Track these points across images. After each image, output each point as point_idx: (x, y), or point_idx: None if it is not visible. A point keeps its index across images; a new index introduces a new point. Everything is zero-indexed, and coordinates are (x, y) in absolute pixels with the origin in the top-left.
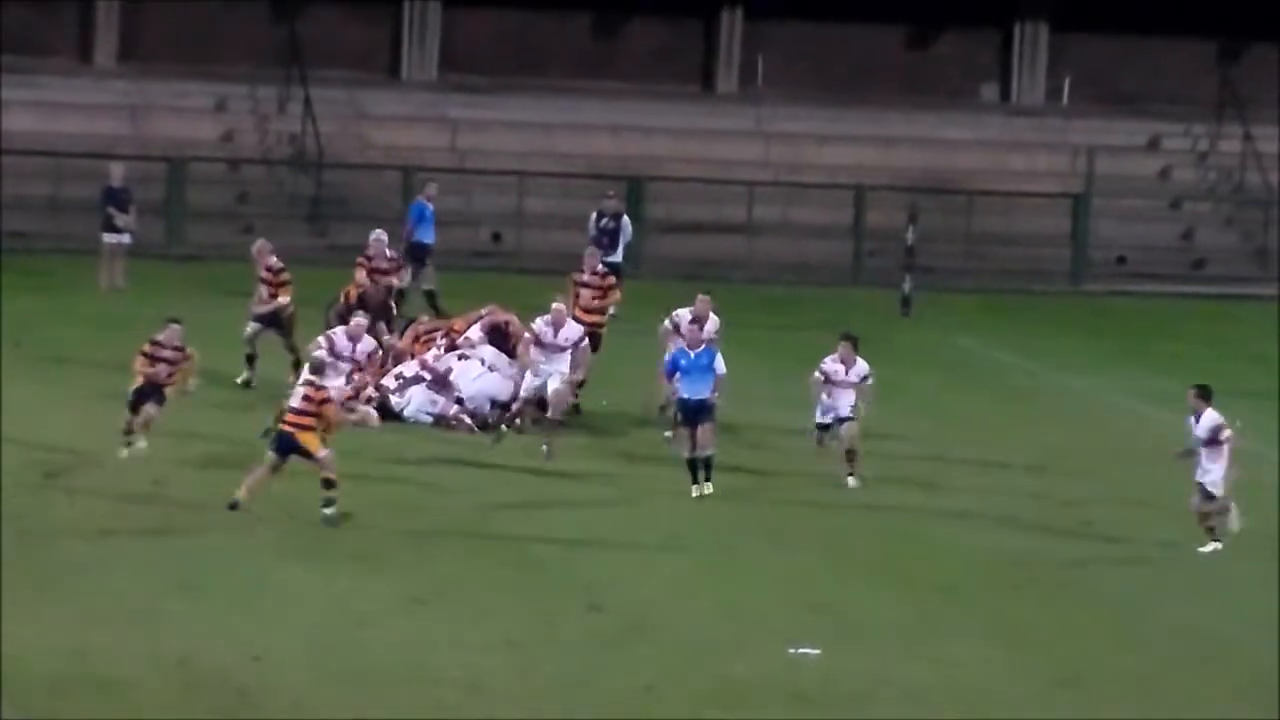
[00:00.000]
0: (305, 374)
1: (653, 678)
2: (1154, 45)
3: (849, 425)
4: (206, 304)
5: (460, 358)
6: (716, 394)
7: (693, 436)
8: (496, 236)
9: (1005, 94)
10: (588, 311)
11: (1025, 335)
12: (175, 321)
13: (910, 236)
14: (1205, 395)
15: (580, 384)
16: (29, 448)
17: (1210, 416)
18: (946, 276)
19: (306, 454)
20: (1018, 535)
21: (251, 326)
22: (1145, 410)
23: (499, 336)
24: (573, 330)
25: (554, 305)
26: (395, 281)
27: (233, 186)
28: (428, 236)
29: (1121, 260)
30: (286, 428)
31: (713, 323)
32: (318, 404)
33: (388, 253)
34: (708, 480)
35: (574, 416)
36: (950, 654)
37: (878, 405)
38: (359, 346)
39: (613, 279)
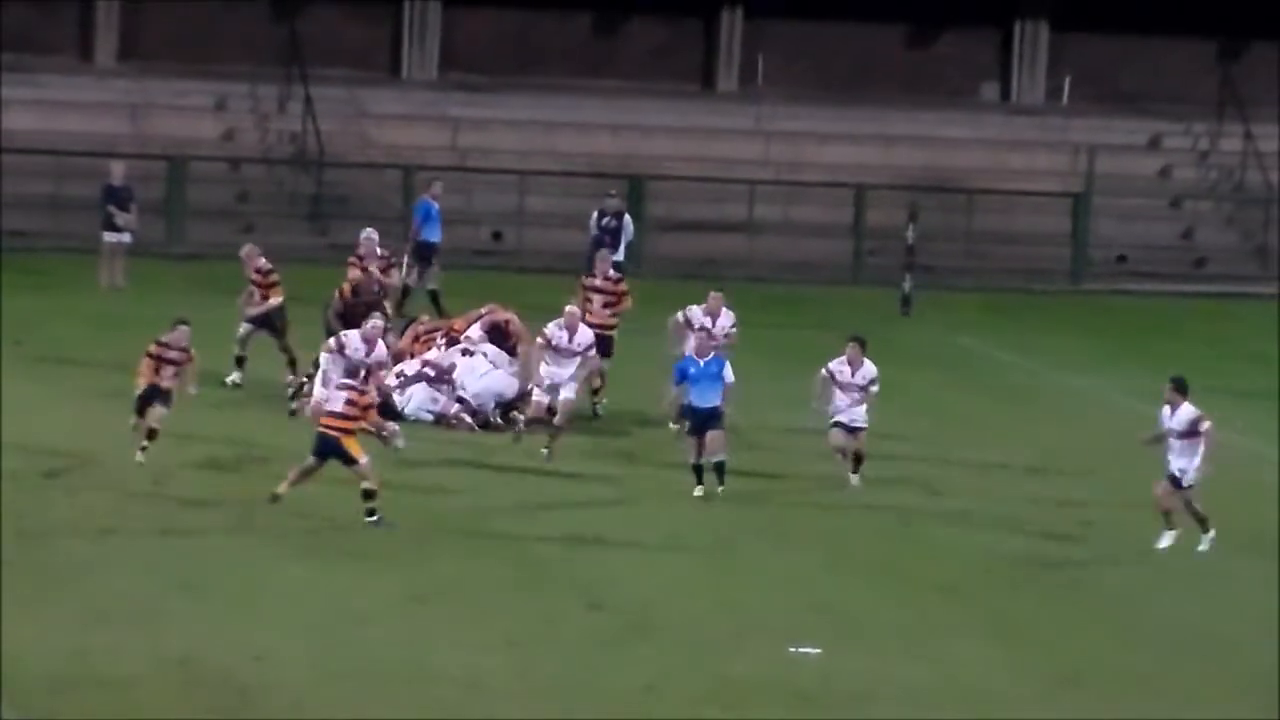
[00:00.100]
0: (324, 376)
1: (653, 677)
2: (1154, 44)
3: (861, 435)
4: (207, 303)
5: (464, 353)
6: (724, 403)
7: (700, 444)
8: (497, 235)
9: (1005, 93)
10: (599, 317)
11: (1025, 334)
12: (183, 323)
13: (910, 235)
14: (1181, 389)
15: (596, 390)
16: (29, 447)
17: (1188, 409)
18: (947, 275)
19: (347, 459)
20: (1018, 535)
21: (244, 328)
22: (1146, 409)
23: (499, 335)
24: (586, 335)
25: (567, 309)
26: (386, 280)
27: (233, 185)
28: (434, 235)
29: (1122, 259)
30: (329, 431)
31: (727, 317)
32: (362, 409)
33: (379, 251)
34: (720, 484)
35: (593, 420)
36: (950, 653)
37: (878, 405)
38: (375, 351)
39: (624, 285)
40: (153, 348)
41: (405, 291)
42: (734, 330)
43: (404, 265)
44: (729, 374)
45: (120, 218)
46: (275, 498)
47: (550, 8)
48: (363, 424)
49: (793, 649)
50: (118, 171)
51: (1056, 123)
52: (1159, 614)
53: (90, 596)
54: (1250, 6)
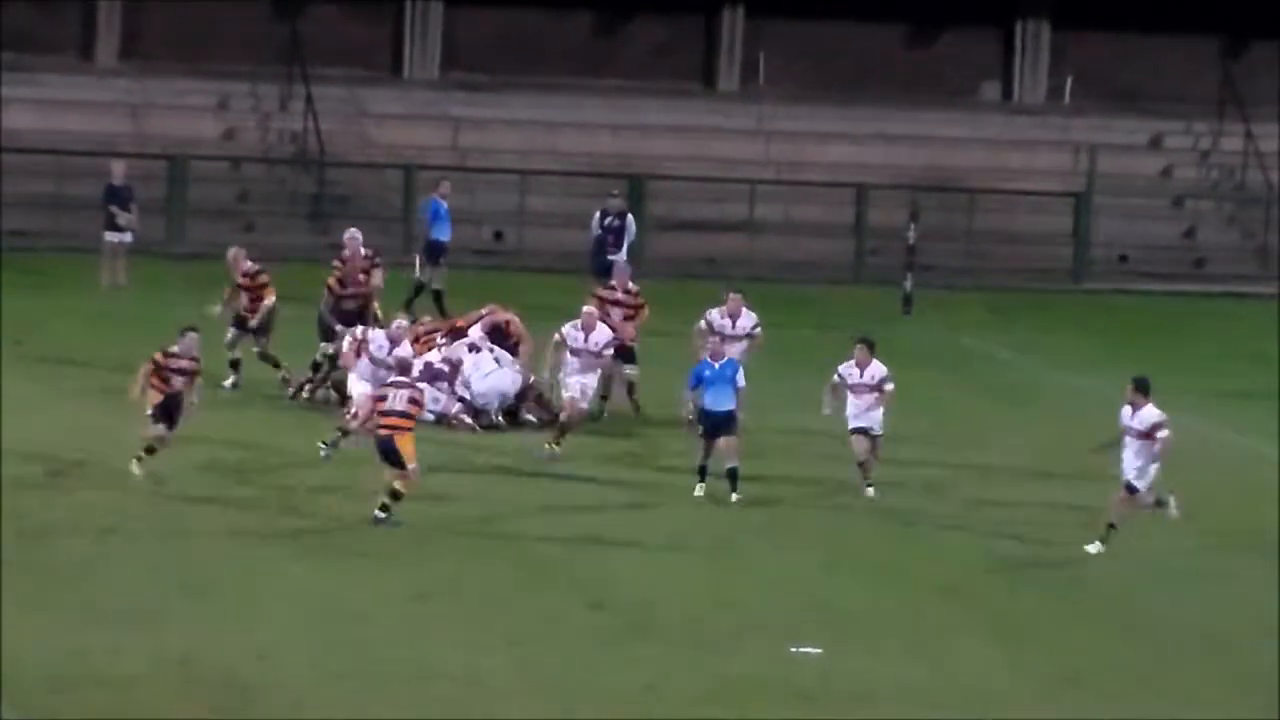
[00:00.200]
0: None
1: (653, 676)
2: (1155, 43)
3: (877, 442)
4: (208, 302)
5: (471, 349)
6: (737, 407)
7: (709, 446)
8: (498, 235)
9: (1007, 92)
10: (620, 330)
11: (1026, 334)
12: (192, 330)
13: (912, 235)
14: (1143, 389)
15: (631, 387)
16: (30, 446)
17: (1150, 412)
18: (948, 275)
19: (397, 460)
20: (1018, 534)
21: (231, 333)
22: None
23: (499, 336)
24: (603, 334)
25: (584, 309)
26: (371, 281)
27: (234, 185)
28: (443, 234)
29: (1123, 259)
30: (385, 430)
31: (748, 318)
32: (421, 406)
33: (362, 251)
34: (734, 492)
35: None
36: (950, 653)
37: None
38: (398, 351)
39: (642, 297)
40: (159, 357)
41: (418, 289)
42: (758, 331)
43: (416, 264)
44: (741, 378)
45: (122, 217)
46: (383, 519)
47: (551, 7)
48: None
49: (794, 649)
50: (119, 171)
51: (1057, 122)
52: (1159, 613)
53: (91, 596)
54: (1251, 6)
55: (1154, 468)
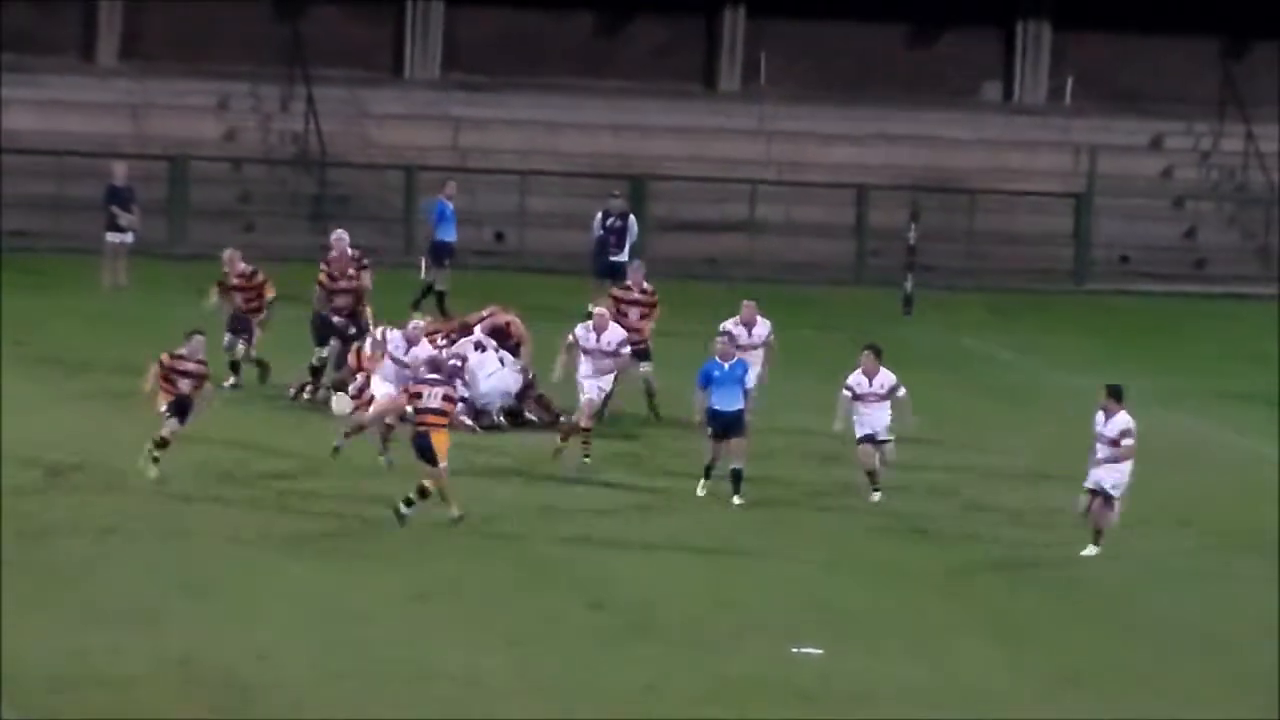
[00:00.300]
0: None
1: (653, 676)
2: (1156, 44)
3: (887, 447)
4: (203, 297)
5: (477, 346)
6: (745, 408)
7: (717, 448)
8: (499, 235)
9: (1008, 93)
10: (636, 330)
11: (1027, 334)
12: (198, 333)
13: (912, 235)
14: (1117, 396)
15: (652, 395)
16: (31, 446)
17: (1122, 419)
18: (949, 276)
19: (432, 457)
20: (1019, 534)
21: (227, 337)
22: (1148, 409)
23: (500, 338)
24: (616, 334)
25: (596, 310)
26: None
27: (235, 185)
28: (448, 235)
29: (1124, 259)
30: (422, 427)
31: (763, 325)
32: (453, 405)
33: (350, 252)
34: (736, 493)
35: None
36: (950, 653)
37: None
38: (416, 351)
39: (657, 295)
40: (165, 359)
41: (426, 290)
42: (772, 338)
43: (421, 266)
44: (750, 379)
45: (123, 218)
46: (458, 519)
47: (552, 7)
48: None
49: (795, 650)
50: (120, 172)
51: (1058, 123)
52: (1159, 613)
53: (91, 596)
54: (1252, 6)
55: (1127, 472)
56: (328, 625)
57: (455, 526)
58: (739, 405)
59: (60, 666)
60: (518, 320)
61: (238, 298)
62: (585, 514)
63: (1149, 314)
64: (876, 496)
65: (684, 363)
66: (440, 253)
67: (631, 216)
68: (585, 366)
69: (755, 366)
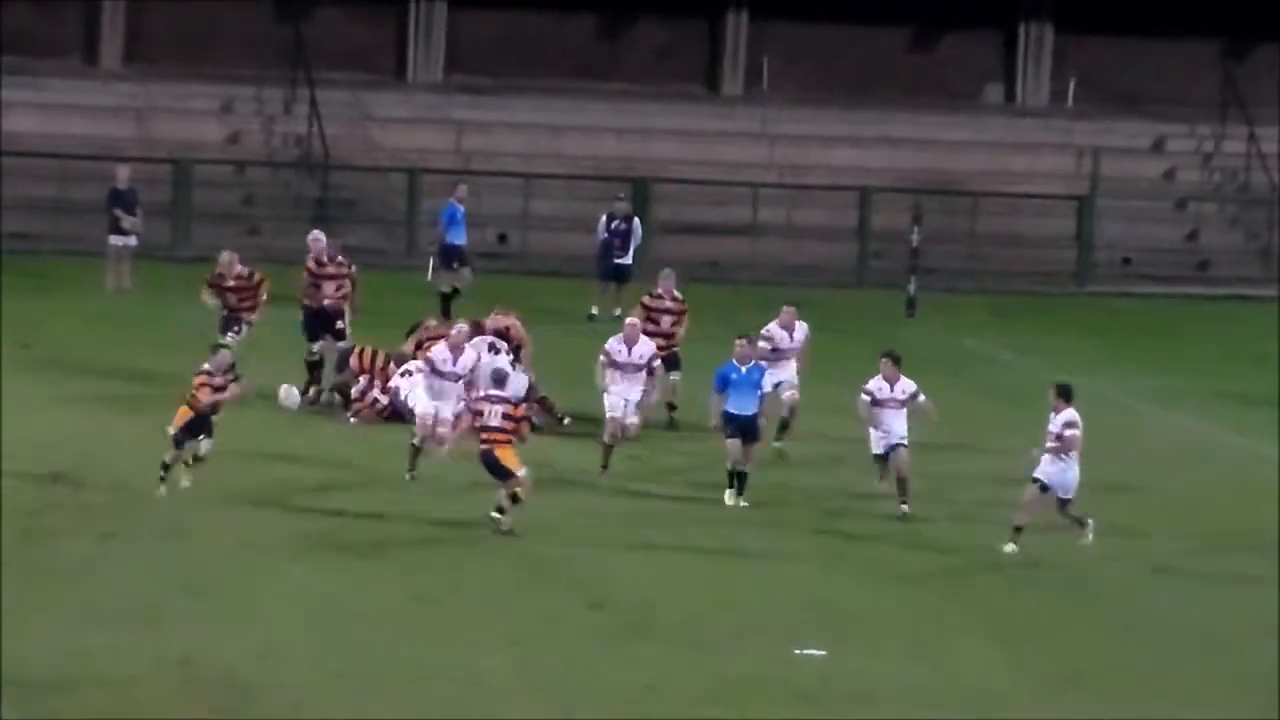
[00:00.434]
0: (423, 392)
1: (653, 676)
2: (1158, 46)
3: (902, 452)
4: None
5: (491, 349)
6: (760, 412)
7: (736, 450)
8: (502, 238)
9: (1010, 95)
10: (667, 337)
11: (1030, 336)
12: (223, 346)
13: (915, 238)
14: (1065, 395)
15: (672, 406)
16: (33, 448)
17: (1068, 414)
18: (951, 278)
19: (502, 472)
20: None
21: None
22: (1149, 410)
23: (501, 340)
24: (647, 347)
25: (627, 321)
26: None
27: (238, 188)
28: (459, 238)
29: (1126, 261)
30: (485, 445)
31: (801, 330)
32: (518, 421)
33: (328, 254)
34: (739, 494)
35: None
36: (950, 653)
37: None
38: (461, 360)
39: (686, 304)
40: (202, 377)
41: (450, 294)
42: (805, 343)
43: (430, 268)
44: (767, 383)
45: (126, 221)
46: (499, 521)
47: (555, 10)
48: (522, 433)
49: (798, 651)
50: (123, 175)
51: (1061, 125)
52: (1159, 613)
53: (91, 597)
54: (1253, 8)
55: (1075, 470)
56: (328, 625)
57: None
58: (754, 409)
59: (61, 666)
60: (518, 323)
61: (232, 298)
62: (586, 514)
63: (1151, 316)
64: (905, 509)
65: (686, 365)
66: (450, 255)
67: (636, 219)
68: (614, 381)
69: (791, 371)
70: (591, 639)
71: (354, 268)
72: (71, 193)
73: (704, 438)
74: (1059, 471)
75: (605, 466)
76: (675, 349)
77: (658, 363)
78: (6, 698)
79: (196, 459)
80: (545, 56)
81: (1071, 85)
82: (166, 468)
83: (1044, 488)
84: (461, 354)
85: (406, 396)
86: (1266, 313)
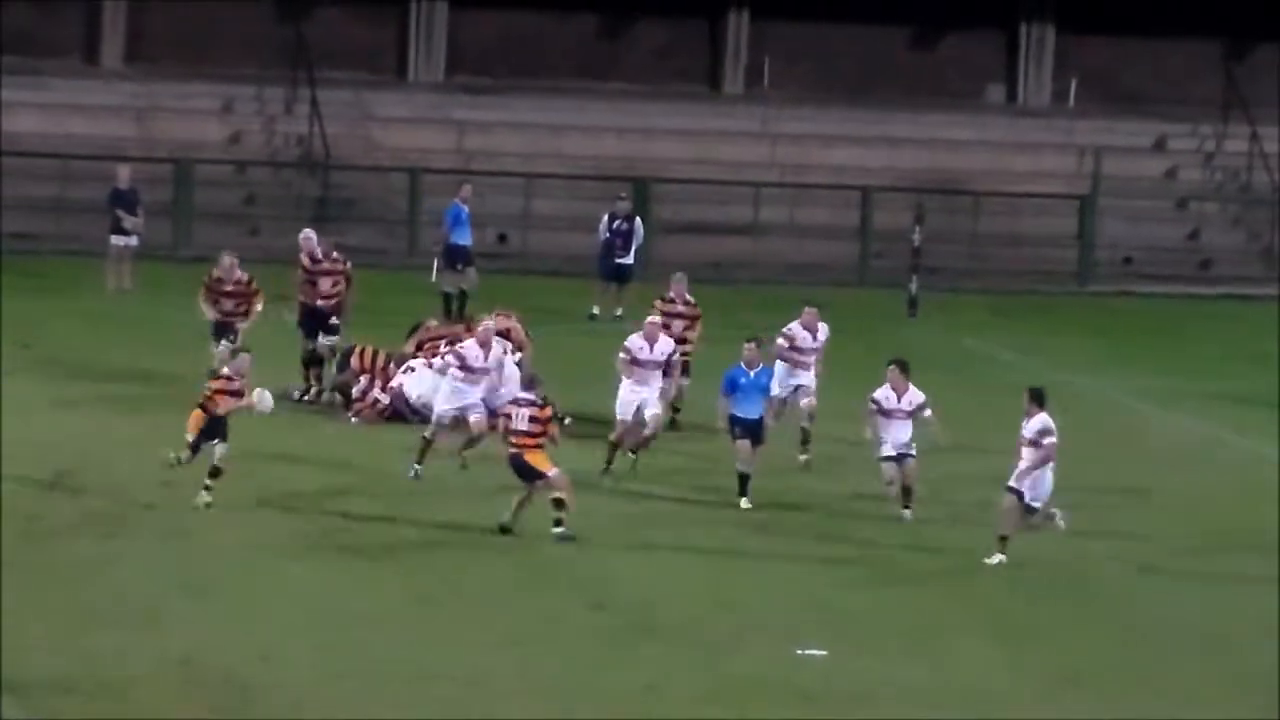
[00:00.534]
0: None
1: (654, 676)
2: (1159, 46)
3: (910, 462)
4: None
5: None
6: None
7: (744, 449)
8: (503, 238)
9: (1011, 95)
10: (679, 342)
11: (1031, 336)
12: (245, 350)
13: (916, 237)
14: (1038, 399)
15: (675, 409)
16: (34, 448)
17: (1038, 420)
18: (952, 277)
19: (534, 474)
20: (1020, 534)
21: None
22: (1151, 410)
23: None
24: (666, 344)
25: (648, 320)
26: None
27: (239, 188)
28: (464, 238)
29: (1128, 261)
30: (514, 449)
31: (824, 331)
32: (544, 423)
33: (318, 252)
34: (743, 494)
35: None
36: (951, 653)
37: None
38: (491, 355)
39: (699, 308)
40: (219, 382)
41: (462, 295)
42: (825, 343)
43: (434, 268)
44: (775, 387)
45: (127, 221)
46: (564, 534)
47: (556, 10)
48: (552, 434)
49: (800, 651)
50: (124, 175)
51: (1062, 124)
52: (1159, 613)
53: (93, 597)
54: (1255, 8)
55: (1049, 477)
56: (329, 626)
57: (502, 532)
58: (760, 413)
59: (62, 667)
60: (518, 326)
61: (227, 303)
62: (587, 515)
63: (1152, 315)
64: (907, 514)
65: (697, 368)
66: (454, 256)
67: (638, 219)
68: (637, 381)
69: (811, 375)
70: (592, 639)
71: (348, 264)
72: (72, 192)
73: (705, 439)
74: (1034, 481)
75: (609, 464)
76: (687, 357)
77: (676, 356)
78: (7, 698)
79: (215, 474)
80: (546, 56)
81: (1073, 85)
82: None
83: (1021, 496)
84: (491, 350)
85: (416, 400)
86: (1267, 312)
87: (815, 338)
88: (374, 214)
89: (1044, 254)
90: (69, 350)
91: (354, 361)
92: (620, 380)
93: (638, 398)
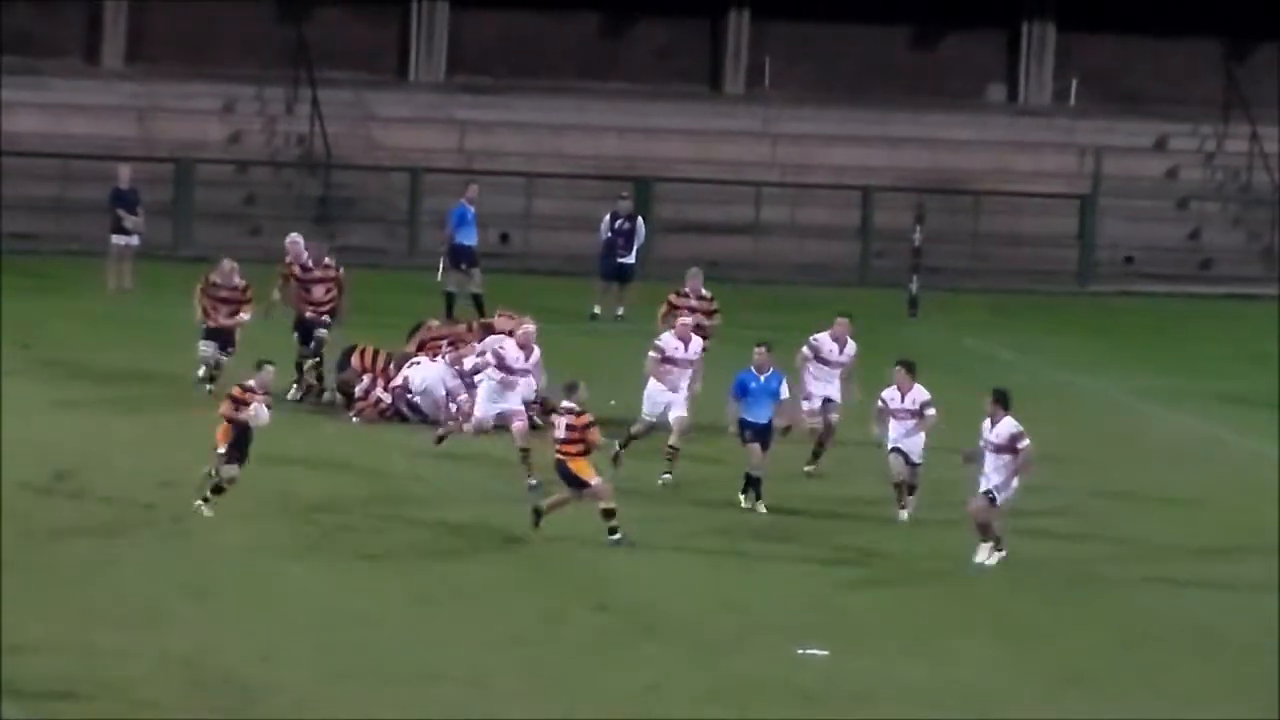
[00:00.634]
0: (485, 393)
1: (657, 676)
2: (1160, 45)
3: (916, 469)
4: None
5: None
6: (776, 418)
7: (755, 453)
8: (504, 237)
9: (1012, 94)
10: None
11: (1032, 335)
12: (269, 363)
13: (917, 237)
14: (1003, 402)
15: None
16: (35, 448)
17: (1009, 424)
18: (953, 277)
19: (578, 483)
20: (1021, 534)
21: (208, 346)
22: (1151, 410)
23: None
24: (698, 343)
25: (680, 321)
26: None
27: (240, 188)
28: (469, 239)
29: (1129, 260)
30: (559, 457)
31: (851, 345)
32: (581, 430)
33: (310, 260)
34: (759, 498)
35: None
36: (952, 653)
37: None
38: (532, 358)
39: (716, 302)
40: (237, 392)
41: (477, 298)
42: (854, 358)
43: (440, 268)
44: (785, 390)
45: (128, 221)
46: (622, 540)
47: (557, 9)
48: (591, 441)
49: (801, 650)
50: (124, 174)
51: (1063, 124)
52: (1159, 613)
53: (94, 598)
54: (1255, 8)
55: (1015, 482)
56: (330, 627)
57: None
58: (770, 417)
59: (63, 668)
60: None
61: (223, 308)
62: (589, 515)
63: (1153, 315)
64: (904, 515)
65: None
66: (459, 257)
67: (640, 219)
68: (666, 381)
69: (836, 388)
70: (594, 640)
71: (341, 270)
72: (73, 192)
73: (706, 439)
74: (1003, 481)
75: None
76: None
77: (702, 351)
78: (7, 699)
79: (218, 490)
80: (547, 56)
81: (1074, 84)
82: (218, 490)
83: (992, 498)
84: (532, 352)
85: (419, 386)
86: (1268, 312)
87: (842, 350)
88: (375, 214)
89: (1044, 254)
90: (69, 350)
91: (355, 361)
92: (649, 379)
93: (667, 398)
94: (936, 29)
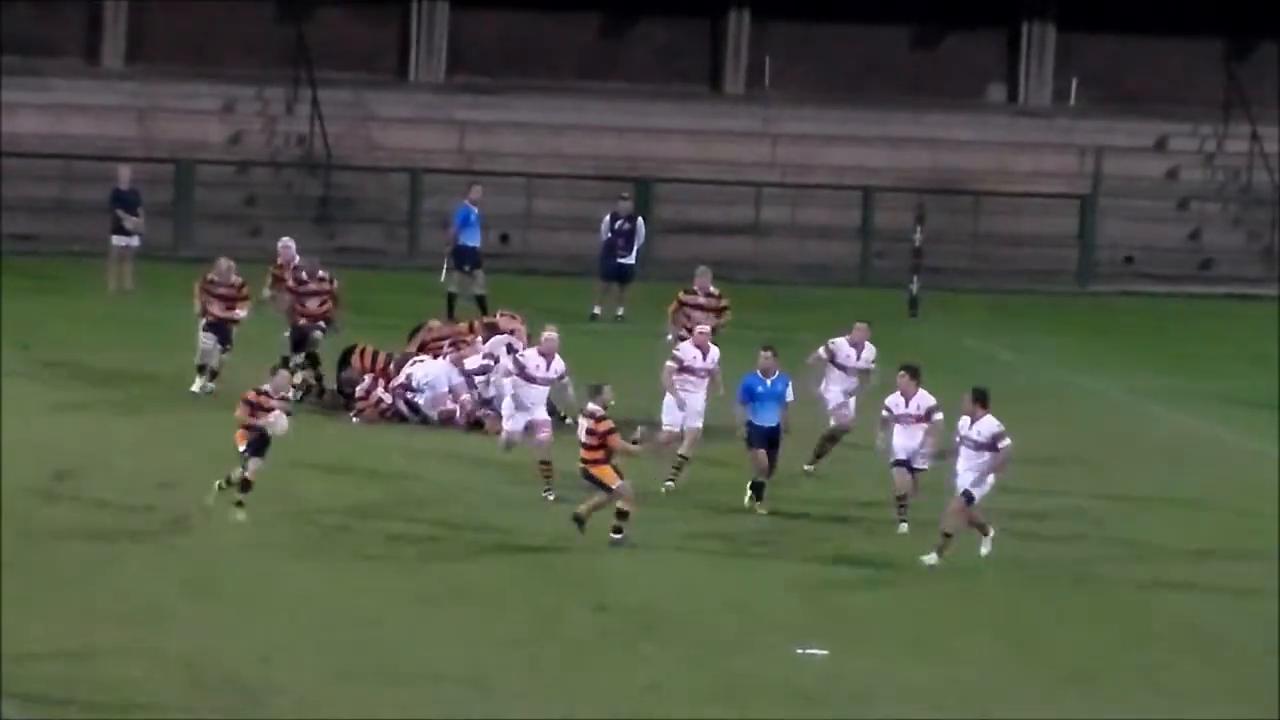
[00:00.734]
0: (512, 401)
1: (658, 676)
2: (1161, 45)
3: (917, 475)
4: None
5: (509, 349)
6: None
7: (761, 459)
8: (504, 238)
9: (1012, 94)
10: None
11: (1032, 335)
12: (284, 368)
13: (917, 237)
14: (982, 401)
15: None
16: (35, 449)
17: (990, 422)
18: (953, 277)
19: (603, 487)
20: (1021, 534)
21: (208, 339)
22: (1152, 410)
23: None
24: (716, 352)
25: (699, 329)
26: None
27: (240, 188)
28: (473, 239)
29: (1129, 261)
30: (583, 461)
31: (869, 350)
32: (601, 435)
33: (309, 269)
34: (759, 500)
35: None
36: (953, 653)
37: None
38: (554, 365)
39: (725, 300)
40: (252, 396)
41: (480, 300)
42: (874, 365)
43: (443, 269)
44: (791, 394)
45: (128, 221)
46: (621, 540)
47: (557, 10)
48: (611, 447)
49: (801, 650)
50: (125, 175)
51: (1063, 124)
52: (1159, 613)
53: (95, 598)
54: (1255, 8)
55: (991, 479)
56: (332, 627)
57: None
58: (776, 421)
59: (64, 668)
60: (521, 328)
61: (218, 305)
62: (591, 516)
63: (1153, 315)
64: (904, 528)
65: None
66: (462, 257)
67: (640, 219)
68: (683, 388)
69: (851, 386)
70: (594, 640)
71: (335, 283)
72: (73, 193)
73: (706, 440)
74: (978, 479)
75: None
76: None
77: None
78: (7, 700)
79: (245, 487)
80: (547, 56)
81: (1074, 84)
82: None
83: (970, 498)
84: (554, 360)
85: (421, 382)
86: (1268, 312)
87: (859, 355)
88: (375, 214)
89: (1045, 254)
90: (69, 351)
91: (355, 361)
92: (666, 391)
93: (684, 408)
94: (936, 29)
